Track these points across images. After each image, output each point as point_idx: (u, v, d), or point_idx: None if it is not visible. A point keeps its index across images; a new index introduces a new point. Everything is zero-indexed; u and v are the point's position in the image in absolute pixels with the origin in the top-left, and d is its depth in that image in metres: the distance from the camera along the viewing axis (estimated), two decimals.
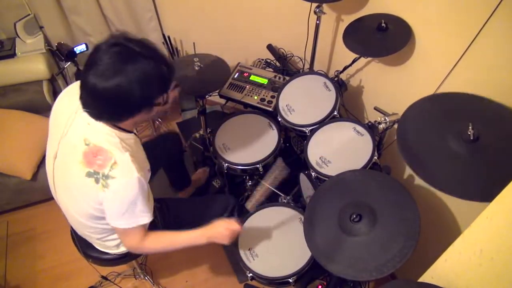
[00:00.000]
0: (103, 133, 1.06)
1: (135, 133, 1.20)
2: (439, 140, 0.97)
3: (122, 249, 1.38)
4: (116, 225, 1.14)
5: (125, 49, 0.99)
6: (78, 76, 2.15)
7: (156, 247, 1.25)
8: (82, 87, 1.02)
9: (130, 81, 0.96)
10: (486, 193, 0.77)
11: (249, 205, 1.51)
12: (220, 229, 1.26)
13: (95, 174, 1.04)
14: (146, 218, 1.14)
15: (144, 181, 1.08)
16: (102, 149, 1.04)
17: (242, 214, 1.56)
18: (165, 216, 1.45)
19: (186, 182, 2.08)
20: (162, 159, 1.75)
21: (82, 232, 1.32)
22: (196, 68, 1.72)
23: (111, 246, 1.36)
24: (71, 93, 1.13)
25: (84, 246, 1.40)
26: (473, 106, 1.04)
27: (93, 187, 1.05)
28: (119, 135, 1.08)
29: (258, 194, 1.49)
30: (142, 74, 0.98)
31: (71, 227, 1.39)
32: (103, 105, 1.02)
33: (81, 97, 1.03)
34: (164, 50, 2.35)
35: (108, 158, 1.03)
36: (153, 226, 1.22)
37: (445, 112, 1.05)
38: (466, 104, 1.05)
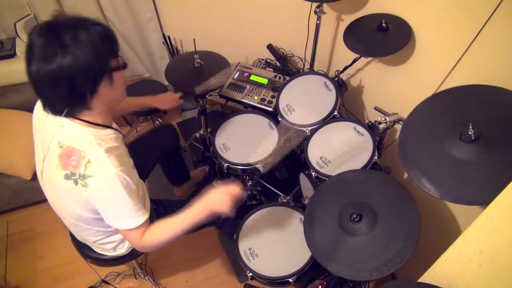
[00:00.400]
0: (75, 133, 1.02)
1: (116, 129, 1.15)
2: (441, 148, 0.96)
3: (119, 252, 1.38)
4: (114, 226, 1.11)
5: (57, 25, 0.92)
6: None
7: (157, 240, 1.15)
8: (34, 85, 0.94)
9: (72, 52, 0.89)
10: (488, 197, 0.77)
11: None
12: (219, 196, 1.16)
13: (72, 175, 1.01)
14: (141, 217, 1.09)
15: (125, 176, 1.02)
16: (74, 149, 1.00)
17: (241, 214, 1.56)
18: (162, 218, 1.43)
19: (185, 177, 2.04)
20: (157, 152, 1.69)
21: (79, 235, 1.31)
22: (196, 65, 1.71)
23: (108, 248, 1.36)
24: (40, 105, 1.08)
25: (83, 247, 1.40)
26: (472, 99, 1.03)
27: (74, 189, 1.02)
28: (93, 133, 1.04)
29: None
30: (82, 41, 0.91)
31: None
32: (57, 93, 0.94)
33: (40, 98, 0.98)
34: (164, 50, 2.35)
35: (82, 157, 1.00)
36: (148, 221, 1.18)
37: (446, 112, 1.04)
38: (466, 99, 1.04)
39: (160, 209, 1.46)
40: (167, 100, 1.66)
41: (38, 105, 1.13)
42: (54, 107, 0.98)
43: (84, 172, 0.99)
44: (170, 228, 1.15)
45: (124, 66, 1.04)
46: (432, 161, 0.96)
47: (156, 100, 1.63)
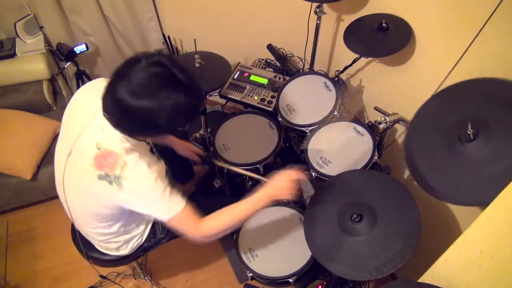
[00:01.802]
0: (115, 139, 1.06)
1: (148, 142, 1.21)
2: (443, 150, 0.96)
3: (122, 252, 1.39)
4: (161, 219, 1.11)
5: (167, 72, 0.96)
6: (78, 76, 2.15)
7: (218, 227, 1.14)
8: (109, 94, 0.98)
9: (159, 108, 0.94)
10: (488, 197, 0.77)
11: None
12: (281, 184, 1.15)
13: (107, 176, 1.04)
14: (181, 202, 1.11)
15: (158, 174, 1.07)
16: (112, 152, 1.04)
17: None
18: None
19: (190, 174, 2.05)
20: (167, 148, 1.70)
21: (85, 231, 1.32)
22: (197, 65, 1.71)
23: (112, 248, 1.36)
24: (93, 92, 1.11)
25: (84, 246, 1.40)
26: (473, 95, 1.03)
27: (108, 189, 1.05)
28: (131, 142, 1.08)
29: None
30: (175, 104, 0.96)
31: (73, 227, 1.40)
32: (124, 119, 1.01)
33: (104, 103, 1.01)
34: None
35: (118, 160, 1.04)
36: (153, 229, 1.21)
37: (445, 112, 1.04)
38: (466, 95, 1.04)
39: None
40: (185, 148, 1.68)
41: (82, 96, 1.18)
42: (110, 120, 1.03)
43: (120, 173, 1.04)
44: (231, 217, 1.16)
45: (183, 132, 1.10)
46: (437, 163, 0.97)
47: (177, 142, 1.65)
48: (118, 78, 0.96)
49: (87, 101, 1.14)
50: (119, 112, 0.99)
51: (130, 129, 1.05)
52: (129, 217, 1.27)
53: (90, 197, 1.13)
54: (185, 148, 1.69)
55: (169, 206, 1.10)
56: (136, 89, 0.93)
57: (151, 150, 1.23)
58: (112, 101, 0.98)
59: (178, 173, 1.98)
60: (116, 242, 1.33)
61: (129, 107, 0.95)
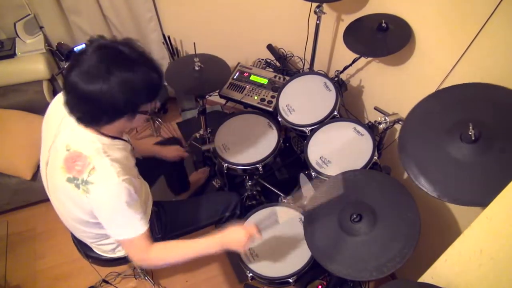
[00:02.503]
0: (85, 139, 1.04)
1: (126, 140, 1.18)
2: (441, 147, 0.96)
3: (118, 254, 1.37)
4: (113, 235, 1.11)
5: (115, 52, 0.95)
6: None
7: (165, 258, 1.15)
8: (65, 86, 0.98)
9: (112, 87, 0.93)
10: (488, 197, 0.76)
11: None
12: (238, 235, 1.16)
13: (75, 179, 1.02)
14: (140, 227, 1.08)
15: (128, 186, 1.02)
16: (81, 154, 1.02)
17: (245, 212, 1.56)
18: (162, 220, 1.44)
19: (185, 187, 2.07)
20: (164, 166, 1.73)
21: (79, 235, 1.32)
22: (197, 68, 1.72)
23: (107, 250, 1.36)
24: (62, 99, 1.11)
25: (83, 246, 1.40)
26: (473, 97, 1.03)
27: (75, 193, 1.03)
28: (102, 141, 1.06)
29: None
30: (128, 81, 0.94)
31: None
32: (84, 109, 0.98)
33: (66, 99, 1.00)
34: (164, 50, 2.35)
35: (87, 164, 1.01)
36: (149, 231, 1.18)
37: (446, 110, 1.04)
38: (466, 97, 1.04)
39: (160, 211, 1.45)
40: (173, 151, 1.72)
41: (54, 104, 1.17)
42: (73, 115, 1.01)
43: (87, 178, 1.01)
44: (181, 253, 1.16)
45: (153, 110, 1.08)
46: (431, 160, 0.96)
47: (163, 150, 1.69)
48: (70, 68, 0.95)
49: (58, 107, 1.11)
50: (78, 103, 0.97)
51: (93, 118, 1.01)
52: None
53: (68, 203, 1.10)
54: (174, 151, 1.70)
55: (126, 227, 1.07)
56: (87, 72, 0.92)
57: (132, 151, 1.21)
58: (68, 92, 0.98)
59: (174, 185, 2.00)
60: (109, 244, 1.32)
61: (82, 91, 0.93)
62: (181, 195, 2.08)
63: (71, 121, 1.03)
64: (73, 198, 1.06)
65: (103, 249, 1.35)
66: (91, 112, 0.99)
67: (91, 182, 1.01)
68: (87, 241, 1.31)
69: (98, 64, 0.93)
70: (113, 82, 0.93)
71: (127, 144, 1.17)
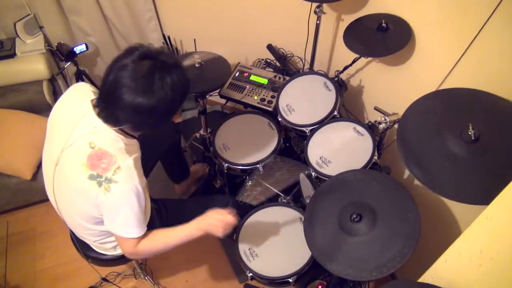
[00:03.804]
0: (109, 138, 1.06)
1: (137, 138, 1.20)
2: (439, 142, 0.96)
3: (119, 251, 1.38)
4: (110, 229, 1.14)
5: (159, 60, 1.00)
6: (78, 76, 2.15)
7: (152, 249, 1.21)
8: (104, 90, 1.02)
9: (167, 93, 0.99)
10: (489, 196, 0.77)
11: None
12: (212, 221, 1.21)
13: (98, 177, 1.04)
14: (141, 230, 1.14)
15: (142, 191, 1.08)
16: (107, 153, 1.04)
17: (243, 214, 1.56)
18: (163, 218, 1.45)
19: (185, 174, 2.07)
20: (159, 148, 1.72)
21: (80, 234, 1.32)
22: (197, 65, 1.72)
23: (109, 248, 1.36)
24: (77, 98, 1.13)
25: (83, 246, 1.40)
26: (474, 102, 1.04)
27: (94, 190, 1.05)
28: (124, 141, 1.09)
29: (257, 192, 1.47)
30: (177, 85, 1.00)
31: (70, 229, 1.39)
32: (119, 113, 1.02)
33: (99, 102, 1.05)
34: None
35: (113, 162, 1.04)
36: (150, 227, 1.21)
37: (445, 111, 1.04)
38: (468, 101, 1.05)
39: (161, 208, 1.47)
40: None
41: (67, 102, 1.18)
42: (109, 121, 1.05)
43: (111, 176, 1.03)
44: (165, 242, 1.22)
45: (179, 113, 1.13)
46: (429, 152, 0.97)
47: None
48: (113, 83, 0.99)
49: (73, 107, 1.13)
50: (130, 115, 1.02)
51: (123, 122, 1.05)
52: None
53: (81, 200, 1.12)
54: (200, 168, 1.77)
55: (125, 227, 1.12)
56: (132, 82, 0.97)
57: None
58: (115, 107, 1.01)
59: (173, 172, 2.00)
60: (111, 242, 1.33)
61: (129, 102, 0.97)
62: (181, 184, 2.08)
63: (94, 119, 1.05)
64: (90, 195, 1.07)
65: (105, 247, 1.36)
66: (125, 118, 1.03)
67: (115, 181, 1.03)
68: (90, 239, 1.31)
69: (150, 74, 0.97)
70: (166, 89, 0.98)
71: (137, 143, 1.21)
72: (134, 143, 1.16)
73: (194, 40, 1.73)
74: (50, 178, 1.18)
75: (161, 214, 1.45)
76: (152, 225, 1.41)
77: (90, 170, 1.04)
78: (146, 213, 1.16)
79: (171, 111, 1.07)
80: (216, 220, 1.21)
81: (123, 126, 1.07)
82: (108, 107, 1.03)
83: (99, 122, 1.05)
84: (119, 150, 1.06)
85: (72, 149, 1.09)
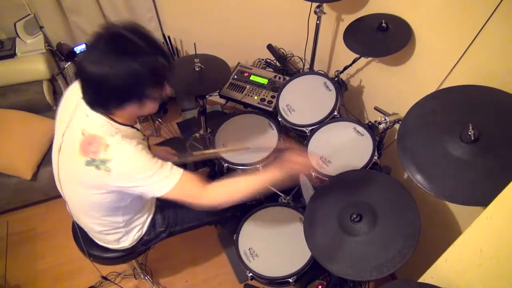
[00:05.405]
0: (99, 124, 1.07)
1: (137, 129, 1.20)
2: (441, 145, 0.96)
3: (122, 245, 1.38)
4: (160, 193, 1.10)
5: (124, 40, 0.99)
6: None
7: (225, 194, 1.16)
8: (78, 73, 1.03)
9: (119, 72, 0.97)
10: (488, 196, 0.77)
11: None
12: (297, 158, 1.18)
13: (93, 161, 1.05)
14: (177, 170, 1.11)
15: (144, 148, 1.09)
16: (95, 136, 1.05)
17: (245, 213, 1.56)
18: (166, 214, 1.44)
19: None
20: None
21: (85, 223, 1.32)
22: (197, 68, 1.72)
23: (112, 240, 1.36)
24: (77, 89, 1.13)
25: (85, 243, 1.40)
26: (473, 100, 1.03)
27: (97, 174, 1.05)
28: (115, 126, 1.09)
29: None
30: (134, 69, 0.98)
31: (73, 224, 1.39)
32: (90, 89, 1.03)
33: (80, 85, 1.05)
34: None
35: (101, 143, 1.05)
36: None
37: (445, 112, 1.04)
38: (467, 100, 1.04)
39: (165, 206, 1.45)
40: (164, 151, 1.68)
41: (70, 91, 1.20)
42: (86, 99, 1.06)
43: (104, 156, 1.04)
44: (239, 184, 1.18)
45: (161, 96, 1.11)
46: (430, 157, 0.97)
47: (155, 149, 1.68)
48: (83, 57, 1.02)
49: (73, 94, 1.15)
50: (87, 85, 1.03)
51: (101, 101, 1.06)
52: (126, 207, 1.25)
53: (83, 186, 1.13)
54: (164, 152, 1.70)
55: (164, 177, 1.09)
56: (95, 57, 0.98)
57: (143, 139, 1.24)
58: (79, 76, 1.03)
59: None
60: (116, 234, 1.33)
61: (92, 75, 0.99)
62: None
63: (85, 107, 1.07)
64: (93, 180, 1.08)
65: (108, 239, 1.35)
66: (99, 94, 1.04)
67: (108, 159, 1.04)
68: (95, 229, 1.31)
69: (108, 53, 0.98)
70: (120, 69, 0.97)
71: (138, 132, 1.20)
72: (129, 130, 1.15)
73: (194, 44, 1.73)
74: (56, 168, 1.20)
75: (164, 210, 1.44)
76: (154, 221, 1.44)
77: (84, 156, 1.05)
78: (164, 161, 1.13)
79: (128, 90, 1.03)
80: (300, 158, 1.18)
81: (108, 108, 1.07)
82: (85, 88, 1.04)
83: (89, 109, 1.06)
84: (108, 132, 1.06)
85: (70, 136, 1.11)
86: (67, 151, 1.13)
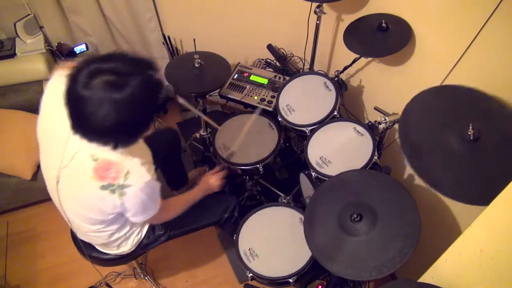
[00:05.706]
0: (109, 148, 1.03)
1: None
2: (440, 137, 0.97)
3: (122, 250, 1.39)
4: (139, 220, 1.21)
5: (109, 73, 0.89)
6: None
7: (170, 216, 1.37)
8: (70, 117, 0.94)
9: (119, 113, 0.90)
10: (488, 197, 0.77)
11: None
12: (211, 181, 1.52)
13: (110, 186, 1.05)
14: (159, 204, 1.22)
15: (154, 184, 1.12)
16: (111, 162, 1.04)
17: (243, 214, 1.56)
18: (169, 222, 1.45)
19: (183, 181, 2.07)
20: (159, 154, 1.70)
21: (84, 234, 1.32)
22: (197, 65, 1.72)
23: (112, 246, 1.37)
24: (61, 103, 0.97)
25: (84, 246, 1.40)
26: (475, 103, 1.04)
27: (108, 198, 1.07)
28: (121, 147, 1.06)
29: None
30: (133, 100, 0.91)
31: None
32: (105, 138, 0.96)
33: (72, 126, 0.95)
34: (164, 51, 2.35)
35: (121, 169, 1.04)
36: None
37: (447, 107, 1.04)
38: (469, 101, 1.05)
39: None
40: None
41: (50, 113, 1.19)
42: (94, 142, 0.96)
43: (123, 182, 1.05)
44: (179, 207, 1.41)
45: (163, 101, 1.06)
46: (431, 152, 0.97)
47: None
48: (72, 111, 0.92)
49: (59, 116, 1.05)
50: (98, 137, 0.95)
51: (117, 144, 0.99)
52: (126, 220, 1.26)
53: (93, 209, 1.15)
54: (197, 172, 1.82)
55: (151, 211, 1.19)
56: (94, 113, 0.89)
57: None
58: (76, 124, 0.94)
59: (172, 178, 2.00)
60: (116, 240, 1.33)
61: (102, 129, 0.92)
62: (179, 190, 2.08)
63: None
64: (104, 203, 1.09)
65: (108, 246, 1.36)
66: (115, 140, 0.97)
67: (127, 185, 1.06)
68: (98, 241, 1.33)
69: (100, 102, 0.88)
70: (118, 109, 0.89)
71: (138, 142, 1.16)
72: (133, 145, 1.10)
73: (194, 40, 1.73)
74: (54, 192, 1.19)
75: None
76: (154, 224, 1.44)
77: (100, 182, 1.05)
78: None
79: (146, 124, 1.02)
80: (214, 180, 1.53)
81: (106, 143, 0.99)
82: (81, 132, 0.95)
83: None
84: (121, 155, 1.04)
85: (72, 167, 1.08)
86: (72, 179, 1.11)
